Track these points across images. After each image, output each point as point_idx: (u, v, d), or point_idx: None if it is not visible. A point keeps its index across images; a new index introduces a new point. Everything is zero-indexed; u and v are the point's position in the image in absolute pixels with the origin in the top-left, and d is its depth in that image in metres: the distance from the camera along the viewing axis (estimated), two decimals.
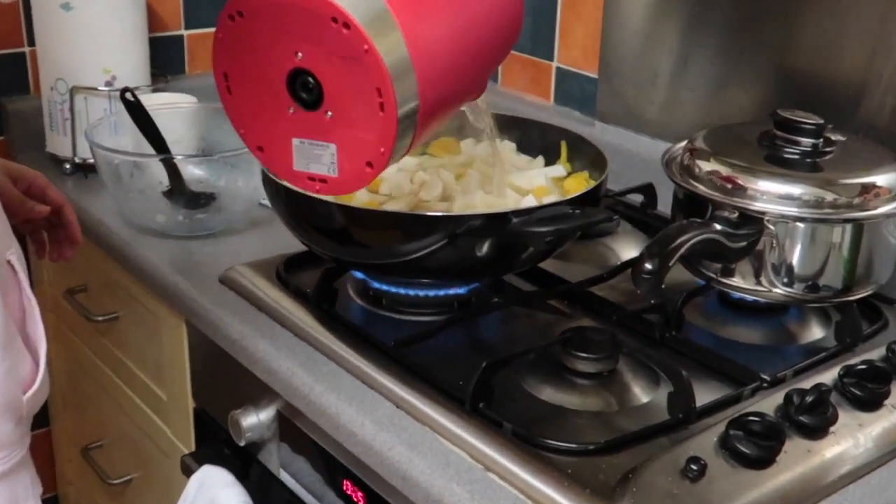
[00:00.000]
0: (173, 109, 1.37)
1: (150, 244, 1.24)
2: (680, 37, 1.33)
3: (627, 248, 1.21)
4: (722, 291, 1.05)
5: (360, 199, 1.07)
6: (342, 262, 1.05)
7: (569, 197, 0.98)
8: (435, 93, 0.84)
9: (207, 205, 1.26)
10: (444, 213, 0.99)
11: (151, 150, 1.27)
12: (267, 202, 1.10)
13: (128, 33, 1.41)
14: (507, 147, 1.20)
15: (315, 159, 0.85)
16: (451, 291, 1.05)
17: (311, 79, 0.81)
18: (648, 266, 0.87)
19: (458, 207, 1.05)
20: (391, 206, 1.05)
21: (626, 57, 1.41)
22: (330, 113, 0.83)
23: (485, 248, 0.96)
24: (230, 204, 1.26)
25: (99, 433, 1.51)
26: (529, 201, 1.05)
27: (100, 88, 1.40)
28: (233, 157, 1.24)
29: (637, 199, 1.27)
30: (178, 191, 1.25)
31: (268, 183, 1.03)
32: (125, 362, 1.38)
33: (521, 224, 0.93)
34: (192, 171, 1.27)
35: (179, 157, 1.25)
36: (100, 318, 1.36)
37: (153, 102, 1.38)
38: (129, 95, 1.23)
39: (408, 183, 1.09)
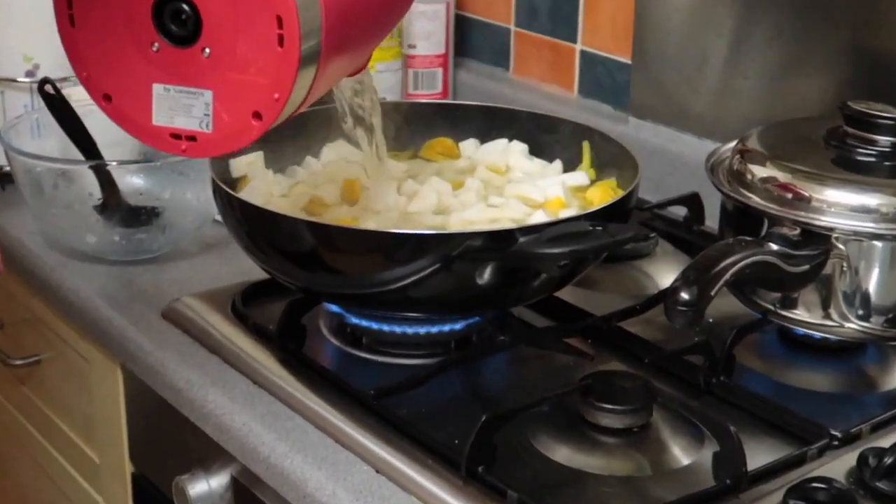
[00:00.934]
0: None
1: (79, 271, 1.24)
2: (733, 12, 1.34)
3: (667, 274, 1.21)
4: (782, 327, 1.05)
5: (335, 213, 1.07)
6: (312, 292, 1.05)
7: (588, 211, 0.98)
8: (341, 30, 0.82)
9: (149, 222, 1.26)
10: (437, 231, 0.99)
11: (81, 156, 1.27)
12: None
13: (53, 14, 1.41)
14: (517, 149, 1.20)
15: (183, 111, 0.83)
16: (446, 328, 1.05)
17: (185, 6, 0.80)
18: (685, 296, 0.86)
19: (455, 224, 1.05)
20: (372, 223, 1.05)
21: (667, 37, 1.41)
22: (208, 50, 0.81)
23: (486, 274, 0.96)
24: (177, 221, 1.27)
25: None
26: (540, 216, 1.05)
27: (19, 80, 1.41)
28: (181, 164, 1.24)
29: (680, 212, 1.27)
30: (114, 205, 1.25)
31: (217, 193, 1.03)
32: (49, 416, 1.38)
33: (529, 244, 0.93)
34: (131, 181, 1.27)
35: (114, 164, 1.25)
36: (18, 362, 1.37)
37: (84, 98, 1.38)
38: (48, 88, 1.24)
39: (393, 193, 1.10)
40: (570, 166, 1.18)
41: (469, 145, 1.22)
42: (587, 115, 1.46)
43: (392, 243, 0.95)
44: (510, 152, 1.19)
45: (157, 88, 0.84)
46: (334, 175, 1.13)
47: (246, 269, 1.12)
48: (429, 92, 1.64)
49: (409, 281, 0.96)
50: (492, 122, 1.22)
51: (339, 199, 1.10)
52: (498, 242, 0.94)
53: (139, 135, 0.87)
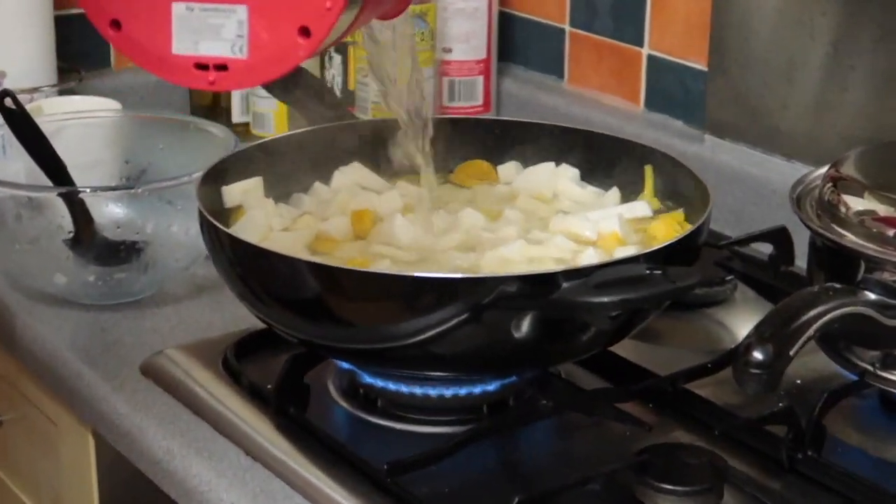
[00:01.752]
0: (86, 121, 1.38)
1: (45, 317, 1.25)
2: (830, 9, 1.33)
3: (746, 324, 1.17)
4: (884, 391, 1.03)
5: (344, 252, 1.08)
6: (317, 345, 1.05)
7: (648, 250, 0.98)
8: None
9: (129, 259, 1.26)
10: (465, 275, 0.99)
11: (49, 181, 1.28)
12: None
13: (22, 12, 1.44)
14: (567, 174, 1.20)
15: (210, 33, 0.83)
16: (477, 390, 1.05)
17: None
18: (758, 356, 0.86)
19: (488, 264, 1.05)
20: (387, 264, 1.05)
21: (751, 39, 1.41)
22: None
23: (525, 325, 0.96)
24: (162, 258, 1.27)
25: None
26: (590, 256, 1.05)
27: None
28: (168, 190, 1.25)
29: (764, 249, 1.26)
30: (87, 239, 1.26)
31: (205, 227, 1.04)
32: (9, 487, 1.39)
33: (574, 292, 0.93)
34: (108, 211, 1.28)
35: (88, 191, 1.26)
36: None
37: (58, 110, 1.40)
38: (9, 101, 1.25)
39: (414, 227, 1.10)
40: (629, 195, 1.17)
41: (509, 169, 1.22)
42: (655, 133, 1.46)
43: (411, 289, 0.95)
44: (558, 178, 1.19)
45: (178, 8, 0.83)
46: (346, 205, 1.14)
47: (242, 316, 1.12)
48: (467, 104, 1.65)
49: (432, 334, 0.95)
50: (538, 142, 1.22)
51: (350, 233, 1.11)
52: (538, 288, 0.94)
53: (156, 68, 0.86)
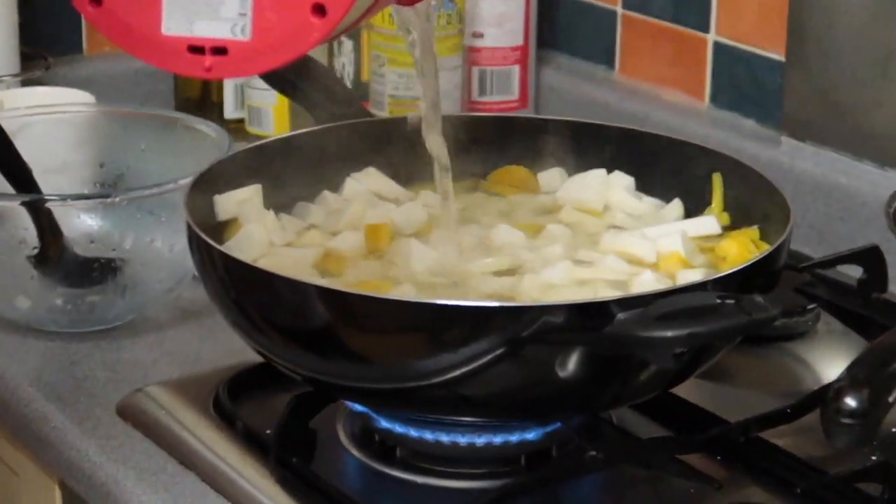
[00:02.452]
0: (54, 116, 1.39)
1: (6, 346, 1.25)
2: None
3: (832, 362, 1.20)
4: None
5: (359, 273, 1.08)
6: (325, 384, 1.05)
7: (718, 275, 0.97)
8: None
9: (104, 280, 1.27)
10: (502, 304, 0.99)
11: (10, 189, 1.28)
12: None
13: None
14: (621, 183, 1.20)
15: (206, 11, 0.83)
16: (514, 438, 1.05)
17: None
18: (852, 403, 0.85)
19: (528, 290, 1.05)
20: (409, 289, 1.05)
21: (838, 25, 1.41)
22: None
23: (571, 363, 0.95)
24: (143, 279, 1.27)
25: None
26: (649, 281, 1.04)
27: None
28: (151, 199, 1.25)
29: (853, 273, 1.25)
30: (55, 256, 1.26)
31: (194, 243, 1.04)
32: None
33: (631, 324, 0.92)
34: (80, 224, 1.29)
35: (56, 199, 1.26)
36: None
37: (21, 104, 1.40)
38: None
39: (434, 251, 1.11)
40: (694, 208, 1.17)
41: (552, 176, 1.22)
42: (723, 134, 1.46)
43: (438, 319, 0.95)
44: (610, 187, 1.19)
45: None
46: (359, 218, 1.14)
47: (236, 348, 1.12)
48: (501, 99, 1.65)
49: (462, 372, 0.95)
50: (586, 145, 1.22)
51: (364, 250, 1.11)
52: (587, 320, 0.93)
53: (143, 52, 0.86)
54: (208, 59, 0.84)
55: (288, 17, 0.82)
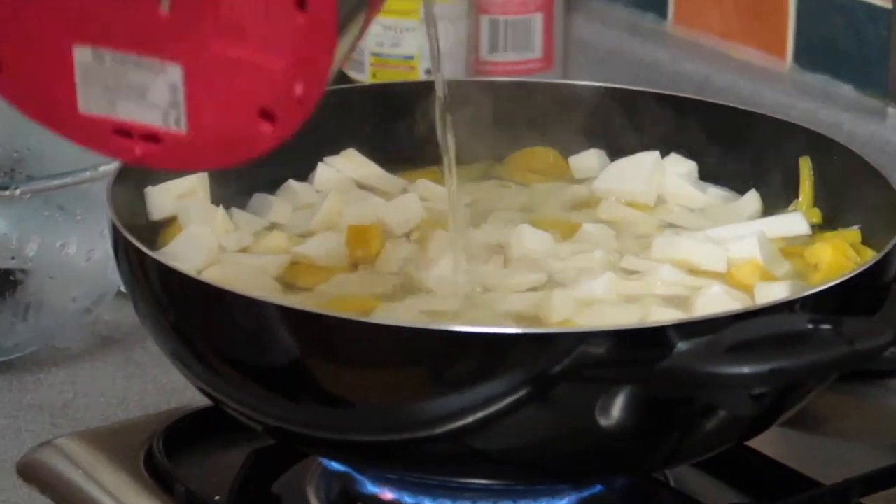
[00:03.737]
0: None
1: None
2: None
3: None
4: None
5: (336, 287, 1.08)
6: (293, 435, 1.05)
7: (809, 291, 0.98)
8: None
9: (2, 295, 1.27)
10: (525, 330, 0.97)
11: None
12: None
13: None
14: (678, 169, 1.21)
15: (131, 93, 0.85)
16: None
17: None
18: None
19: (559, 310, 1.05)
20: (405, 310, 1.05)
21: None
22: (165, 2, 0.83)
23: (616, 408, 0.96)
24: (52, 296, 1.28)
25: None
26: (717, 299, 1.05)
27: None
28: (61, 192, 1.26)
29: None
30: None
31: (121, 249, 1.04)
32: None
33: (697, 356, 0.92)
34: None
35: None
36: None
37: None
38: None
39: (447, 252, 1.11)
40: (775, 202, 1.19)
41: (589, 160, 1.24)
42: (810, 104, 1.47)
43: (442, 349, 0.95)
44: (664, 174, 1.21)
45: (82, 54, 0.86)
46: (336, 215, 1.15)
47: (176, 387, 1.15)
48: (518, 58, 1.65)
49: (473, 419, 0.95)
50: (631, 118, 1.24)
51: (345, 258, 1.11)
52: (637, 351, 0.93)
53: (60, 128, 0.88)
54: (139, 146, 0.86)
55: (230, 118, 0.84)
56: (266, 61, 0.83)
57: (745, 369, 0.90)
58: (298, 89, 0.83)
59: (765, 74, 1.56)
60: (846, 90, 1.51)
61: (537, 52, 1.65)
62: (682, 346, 0.93)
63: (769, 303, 0.99)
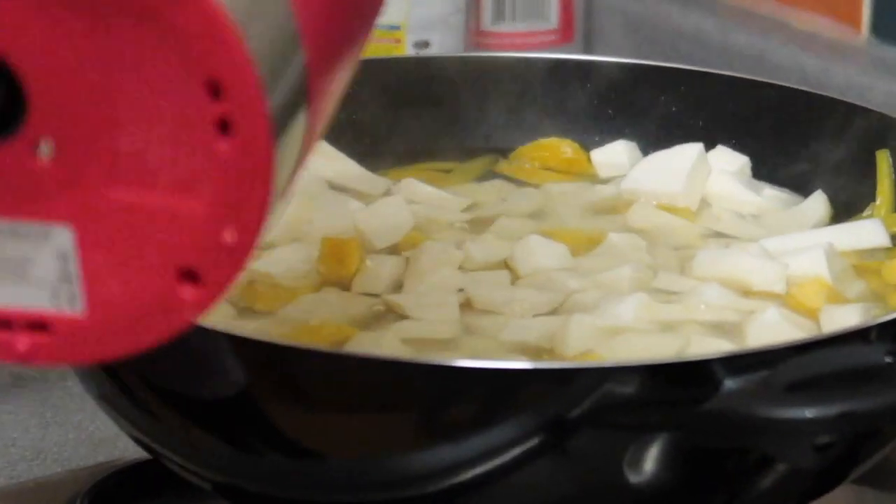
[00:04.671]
0: None
1: None
2: None
3: None
4: None
5: (305, 313, 1.08)
6: (250, 495, 1.05)
7: (888, 317, 0.97)
8: (329, 66, 0.84)
9: None
10: (538, 365, 0.99)
11: None
12: None
13: None
14: (726, 165, 1.22)
15: (7, 270, 0.82)
16: None
17: None
18: None
19: (579, 339, 1.05)
20: (391, 339, 1.05)
21: None
22: (45, 147, 0.80)
23: (650, 460, 0.96)
24: None
25: None
26: (773, 325, 1.05)
27: None
28: None
29: None
30: None
31: None
32: None
33: (748, 395, 0.93)
34: None
35: None
36: None
37: None
38: None
39: (444, 266, 1.12)
40: (846, 206, 1.19)
41: (615, 153, 1.24)
42: (891, 85, 1.47)
43: (436, 388, 0.95)
44: (710, 171, 1.21)
45: None
46: (302, 222, 1.15)
47: (104, 436, 1.15)
48: (529, 28, 1.66)
49: (474, 474, 0.96)
50: (668, 103, 1.25)
51: (314, 276, 1.12)
52: (676, 389, 0.94)
53: None
54: (23, 339, 0.83)
55: (140, 287, 0.82)
56: (182, 205, 0.81)
57: (808, 413, 0.91)
58: (228, 236, 0.81)
59: (834, 48, 1.56)
60: None
61: (552, 21, 1.65)
62: (730, 383, 0.93)
63: (838, 331, 1.00)
